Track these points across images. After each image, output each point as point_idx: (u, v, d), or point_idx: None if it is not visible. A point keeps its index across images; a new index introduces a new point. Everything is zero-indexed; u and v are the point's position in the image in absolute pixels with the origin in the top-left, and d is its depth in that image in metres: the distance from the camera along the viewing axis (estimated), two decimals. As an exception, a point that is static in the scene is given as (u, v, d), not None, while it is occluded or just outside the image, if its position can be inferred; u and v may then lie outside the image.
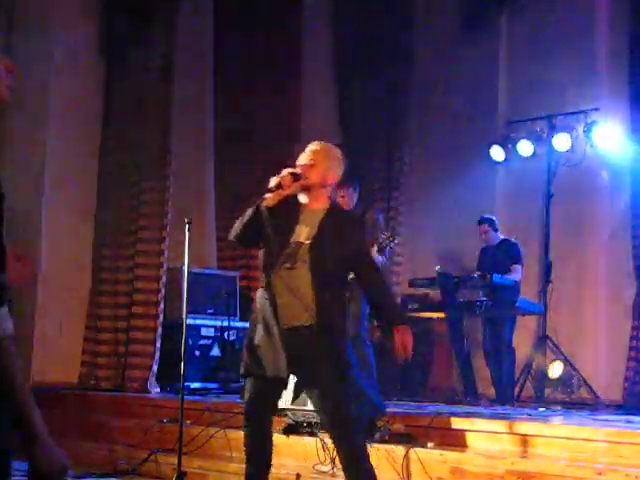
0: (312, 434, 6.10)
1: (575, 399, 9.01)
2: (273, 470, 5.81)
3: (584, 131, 9.73)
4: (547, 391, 8.96)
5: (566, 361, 9.05)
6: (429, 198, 10.66)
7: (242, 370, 4.71)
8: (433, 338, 10.23)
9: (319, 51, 11.22)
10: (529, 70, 10.79)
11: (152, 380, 8.47)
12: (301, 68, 10.37)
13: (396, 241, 7.37)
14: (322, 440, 5.92)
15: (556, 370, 8.94)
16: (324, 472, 5.74)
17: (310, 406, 6.09)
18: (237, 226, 4.72)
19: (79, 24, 9.23)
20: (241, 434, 6.19)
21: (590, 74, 10.33)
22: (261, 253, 4.74)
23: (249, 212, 4.65)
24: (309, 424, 6.19)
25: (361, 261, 4.79)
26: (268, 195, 4.59)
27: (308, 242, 4.60)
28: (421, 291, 9.43)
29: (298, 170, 4.64)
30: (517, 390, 8.68)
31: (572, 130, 9.84)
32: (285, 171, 4.61)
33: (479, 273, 8.54)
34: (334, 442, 4.70)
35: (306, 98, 10.40)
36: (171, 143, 8.79)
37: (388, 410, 6.32)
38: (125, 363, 8.73)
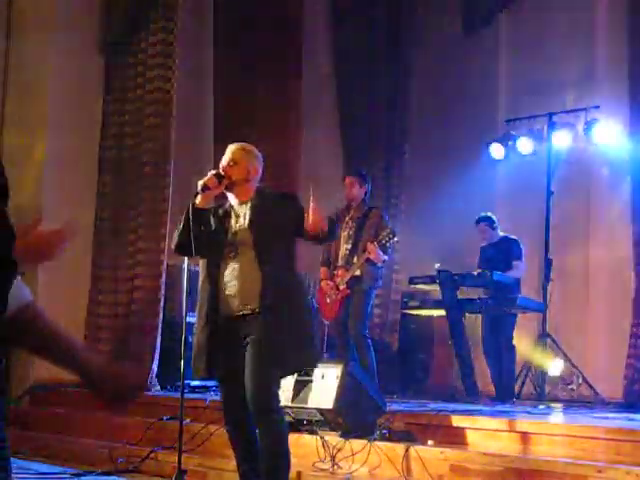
0: (312, 432, 6.11)
1: (575, 397, 9.01)
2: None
3: (584, 129, 9.73)
4: (547, 389, 8.96)
5: (566, 358, 9.06)
6: (430, 196, 10.66)
7: (194, 373, 4.99)
8: (433, 336, 10.24)
9: (319, 48, 11.23)
10: (529, 68, 10.80)
11: (152, 378, 8.47)
12: (301, 67, 10.36)
13: (395, 238, 7.40)
14: (322, 438, 5.93)
15: (556, 368, 8.95)
16: (324, 469, 5.74)
17: (310, 404, 6.10)
18: (175, 235, 4.97)
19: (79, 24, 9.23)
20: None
21: (590, 72, 10.34)
22: (200, 257, 4.96)
23: (183, 218, 4.88)
24: (309, 422, 6.19)
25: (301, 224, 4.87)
26: (197, 198, 4.86)
27: (245, 230, 4.87)
28: (421, 289, 9.42)
29: (221, 171, 4.95)
30: (517, 388, 8.69)
31: (572, 128, 9.85)
32: (209, 173, 4.92)
33: (479, 271, 8.53)
34: (254, 417, 4.79)
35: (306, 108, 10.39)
36: (171, 142, 8.78)
37: (388, 408, 6.32)
38: (125, 360, 8.72)
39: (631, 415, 6.60)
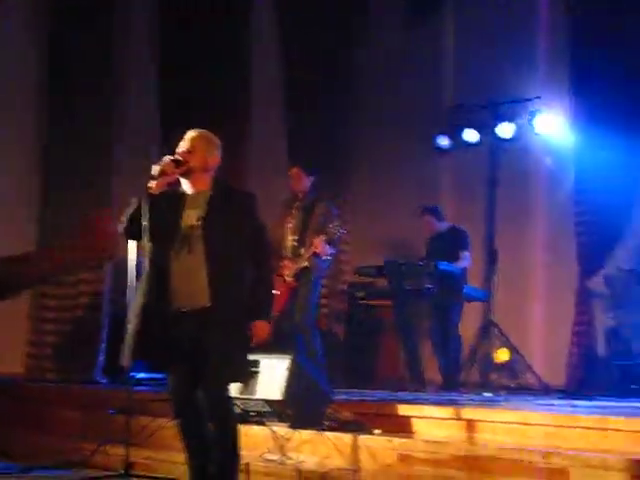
0: (261, 423, 6.12)
1: (520, 384, 9.13)
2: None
3: (528, 119, 9.83)
4: (493, 377, 9.06)
5: (511, 347, 9.16)
6: (376, 186, 10.71)
7: (128, 357, 4.85)
8: (380, 326, 10.28)
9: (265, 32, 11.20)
10: (474, 59, 10.87)
11: (99, 371, 8.42)
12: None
13: (343, 230, 7.39)
14: (271, 429, 5.94)
15: (501, 356, 9.05)
16: (273, 460, 5.76)
17: (258, 395, 6.11)
18: (124, 219, 4.82)
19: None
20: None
21: (532, 62, 10.44)
22: (150, 244, 4.78)
23: (133, 203, 4.75)
24: (258, 413, 6.20)
25: (256, 243, 4.91)
26: (152, 183, 4.70)
27: (199, 223, 4.76)
28: (368, 279, 9.46)
29: (178, 157, 4.80)
30: (463, 376, 8.76)
31: (516, 118, 9.94)
32: (166, 158, 4.76)
33: (425, 261, 8.59)
34: (210, 419, 4.81)
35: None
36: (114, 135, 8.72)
37: (336, 398, 6.35)
38: (72, 354, 8.66)
39: (574, 402, 6.70)
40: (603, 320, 8.97)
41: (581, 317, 9.57)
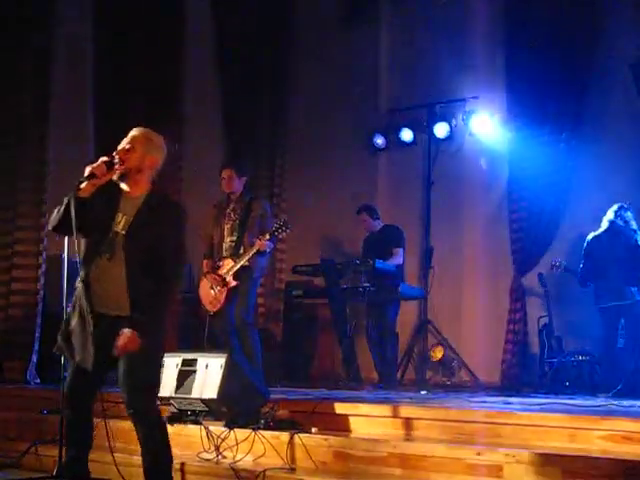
0: (196, 422, 6.07)
1: (455, 382, 9.21)
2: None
3: (463, 119, 9.92)
4: (428, 374, 9.13)
5: (446, 344, 9.24)
6: (313, 185, 10.72)
7: (55, 348, 4.87)
8: (317, 324, 10.30)
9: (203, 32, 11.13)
10: (410, 60, 10.93)
11: (32, 371, 8.30)
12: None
13: (288, 230, 7.35)
14: (206, 428, 5.90)
15: (437, 354, 9.12)
16: (209, 460, 5.72)
17: (194, 394, 6.07)
18: (54, 217, 4.72)
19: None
20: (123, 423, 6.15)
21: (468, 63, 10.53)
22: (82, 243, 4.73)
23: (64, 202, 4.63)
24: (193, 412, 6.16)
25: (166, 253, 4.76)
26: (82, 185, 4.59)
27: (123, 232, 4.70)
28: (305, 278, 9.47)
29: (115, 158, 4.68)
30: (399, 374, 8.82)
31: (451, 118, 10.03)
32: (100, 160, 4.65)
33: (361, 259, 8.62)
34: (133, 422, 4.82)
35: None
36: (48, 131, 8.59)
37: (272, 397, 6.33)
38: (3, 353, 8.51)
39: (508, 399, 6.77)
40: (537, 318, 9.08)
41: (515, 315, 9.69)
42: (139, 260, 4.68)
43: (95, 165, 4.61)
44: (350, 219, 9.69)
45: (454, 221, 10.52)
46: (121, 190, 4.79)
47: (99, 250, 4.69)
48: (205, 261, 7.70)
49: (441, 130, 10.03)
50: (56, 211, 4.70)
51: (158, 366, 4.93)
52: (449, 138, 10.15)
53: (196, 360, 6.20)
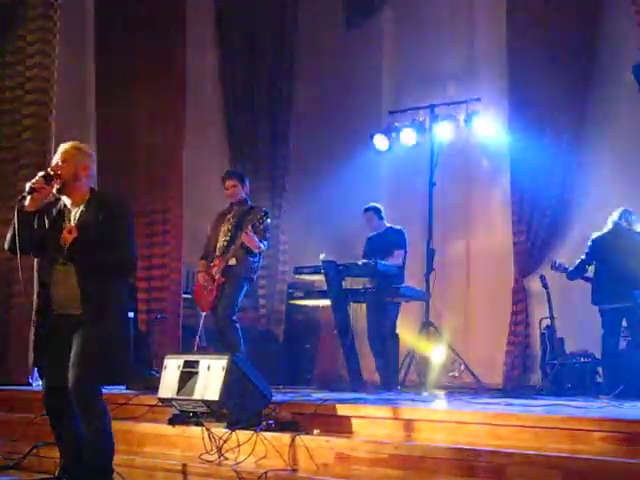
0: (198, 424, 6.07)
1: (457, 384, 9.20)
2: (159, 461, 5.81)
3: (465, 121, 9.91)
4: (430, 376, 9.11)
5: (449, 346, 9.22)
6: (315, 187, 10.71)
7: (32, 362, 5.28)
8: (319, 326, 10.29)
9: (204, 47, 11.14)
10: (412, 61, 10.96)
11: (33, 373, 8.29)
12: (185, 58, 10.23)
13: (268, 220, 7.48)
14: (208, 429, 5.90)
15: (439, 355, 9.10)
16: (211, 461, 5.72)
17: (196, 396, 6.07)
18: (8, 237, 4.99)
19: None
20: (125, 425, 6.16)
21: (471, 65, 10.55)
22: (34, 257, 5.06)
23: (14, 221, 4.90)
24: (195, 414, 6.16)
25: (109, 243, 4.98)
26: (26, 201, 4.88)
27: (72, 237, 4.92)
28: (306, 279, 9.46)
29: (50, 171, 4.98)
30: (401, 376, 8.80)
31: (453, 120, 10.02)
32: (38, 174, 4.94)
33: (363, 261, 8.61)
34: (77, 409, 4.93)
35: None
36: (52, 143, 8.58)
37: (274, 398, 6.33)
38: (5, 356, 8.51)
39: (510, 400, 6.76)
40: (539, 320, 9.08)
41: (517, 317, 9.69)
42: (86, 261, 4.92)
43: (34, 180, 4.91)
44: (352, 220, 9.69)
45: (456, 223, 10.52)
46: (65, 205, 5.08)
47: (54, 258, 4.96)
48: (201, 262, 7.84)
49: (443, 132, 10.02)
50: (9, 232, 4.96)
51: (109, 356, 5.01)
52: (451, 139, 10.14)
53: (198, 362, 6.20)
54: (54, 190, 4.98)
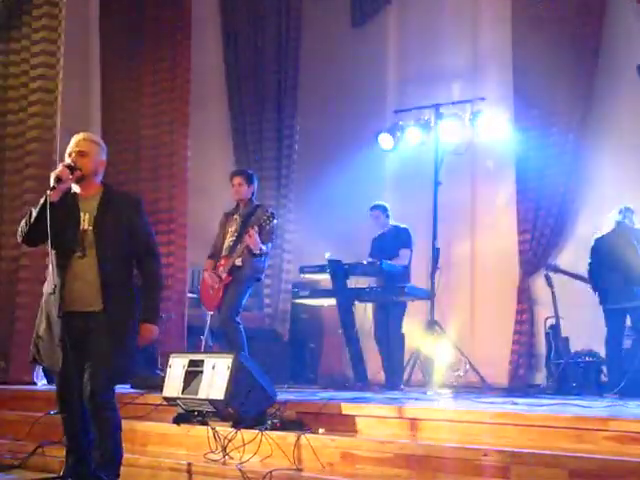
0: (203, 423, 6.07)
1: (463, 383, 9.19)
2: (164, 460, 5.80)
3: (470, 120, 9.91)
4: (435, 375, 9.10)
5: (454, 345, 9.22)
6: (320, 186, 10.71)
7: (29, 357, 5.05)
8: (323, 325, 10.30)
9: (208, 41, 11.14)
10: (417, 60, 10.96)
11: (38, 372, 8.30)
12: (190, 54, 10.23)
13: (275, 221, 7.47)
14: (213, 429, 5.90)
15: (444, 355, 9.09)
16: (216, 461, 5.72)
17: (201, 395, 6.07)
18: (23, 227, 4.93)
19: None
20: (130, 424, 6.15)
21: (476, 64, 10.54)
22: (51, 249, 4.86)
23: (35, 211, 4.84)
24: (200, 413, 6.16)
25: (137, 244, 5.01)
26: (50, 192, 4.79)
27: (90, 228, 4.89)
28: (311, 278, 9.46)
29: (72, 162, 4.90)
30: (406, 375, 8.80)
31: (458, 119, 10.02)
32: (61, 165, 4.88)
33: (369, 260, 8.62)
34: (91, 412, 4.90)
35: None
36: (57, 134, 8.59)
37: (279, 398, 6.33)
38: (9, 355, 8.52)
39: (515, 399, 6.76)
40: (544, 319, 9.07)
41: (522, 316, 9.69)
42: (109, 252, 4.88)
43: (58, 170, 4.84)
44: (357, 219, 9.69)
45: (461, 222, 10.51)
46: (74, 194, 5.00)
47: (71, 249, 4.87)
48: (208, 261, 7.84)
49: (448, 131, 10.01)
50: (24, 223, 4.92)
51: (128, 358, 5.01)
52: (456, 139, 10.13)
53: (203, 361, 6.20)
54: (72, 179, 4.91)
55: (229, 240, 7.66)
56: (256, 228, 7.37)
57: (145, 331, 4.96)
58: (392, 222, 8.98)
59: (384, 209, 8.98)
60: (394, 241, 8.78)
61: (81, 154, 4.95)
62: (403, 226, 8.90)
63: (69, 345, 4.77)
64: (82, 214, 4.94)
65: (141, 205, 5.16)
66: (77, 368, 4.83)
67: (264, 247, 7.48)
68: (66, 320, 4.80)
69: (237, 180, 7.78)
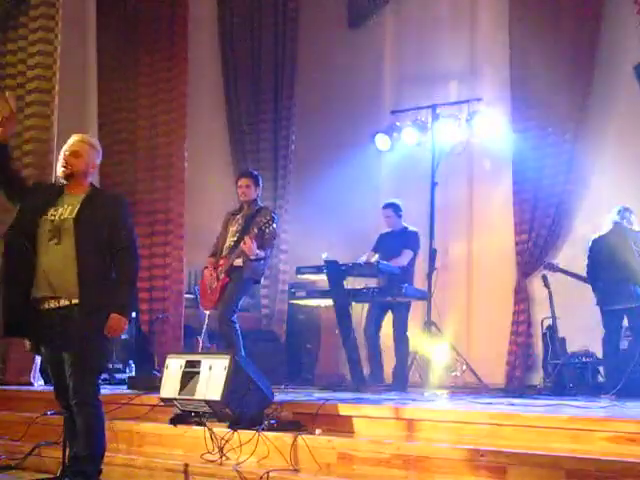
0: (200, 423, 6.07)
1: (459, 383, 9.19)
2: (161, 461, 5.80)
3: (466, 120, 9.92)
4: (432, 376, 9.10)
5: (451, 346, 9.22)
6: (317, 186, 10.71)
7: (28, 347, 5.10)
8: (320, 326, 10.29)
9: (204, 38, 11.14)
10: (413, 60, 10.96)
11: (35, 372, 8.30)
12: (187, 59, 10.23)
13: (275, 225, 7.46)
14: (210, 429, 5.90)
15: (441, 355, 9.09)
16: (212, 461, 5.72)
17: (197, 396, 6.06)
18: None
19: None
20: (127, 425, 6.15)
21: (473, 65, 10.55)
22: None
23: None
24: (197, 413, 6.15)
25: (115, 239, 4.99)
26: None
27: (72, 217, 4.91)
28: (308, 279, 9.45)
29: (63, 160, 5.05)
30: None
31: (455, 119, 10.02)
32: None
33: (365, 260, 8.61)
34: (74, 406, 4.92)
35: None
36: (54, 126, 8.59)
37: (276, 398, 6.32)
38: (6, 355, 8.51)
39: (512, 400, 6.76)
40: (540, 320, 9.07)
41: (519, 317, 9.69)
42: (88, 242, 4.89)
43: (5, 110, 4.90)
44: (354, 219, 9.69)
45: (458, 222, 10.52)
46: (62, 189, 5.10)
47: (47, 237, 4.90)
48: (209, 259, 7.86)
49: (445, 131, 10.02)
50: None
51: (105, 351, 5.10)
52: (453, 139, 10.14)
53: (200, 362, 6.19)
54: (61, 174, 5.04)
55: (230, 240, 7.67)
56: (256, 231, 7.36)
57: (112, 321, 4.87)
58: (404, 223, 8.94)
59: (396, 208, 8.93)
60: (400, 241, 8.75)
61: (74, 154, 5.06)
62: (413, 229, 8.86)
63: (51, 341, 4.89)
64: (62, 206, 4.98)
65: (124, 203, 5.22)
66: (62, 366, 4.88)
67: (261, 252, 7.48)
68: (40, 309, 4.89)
69: (245, 182, 7.79)
